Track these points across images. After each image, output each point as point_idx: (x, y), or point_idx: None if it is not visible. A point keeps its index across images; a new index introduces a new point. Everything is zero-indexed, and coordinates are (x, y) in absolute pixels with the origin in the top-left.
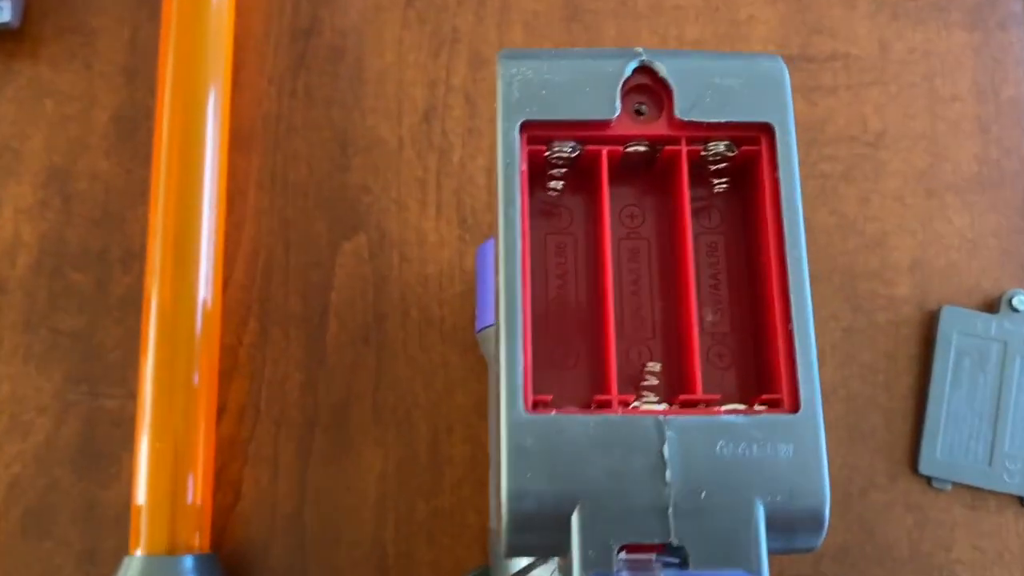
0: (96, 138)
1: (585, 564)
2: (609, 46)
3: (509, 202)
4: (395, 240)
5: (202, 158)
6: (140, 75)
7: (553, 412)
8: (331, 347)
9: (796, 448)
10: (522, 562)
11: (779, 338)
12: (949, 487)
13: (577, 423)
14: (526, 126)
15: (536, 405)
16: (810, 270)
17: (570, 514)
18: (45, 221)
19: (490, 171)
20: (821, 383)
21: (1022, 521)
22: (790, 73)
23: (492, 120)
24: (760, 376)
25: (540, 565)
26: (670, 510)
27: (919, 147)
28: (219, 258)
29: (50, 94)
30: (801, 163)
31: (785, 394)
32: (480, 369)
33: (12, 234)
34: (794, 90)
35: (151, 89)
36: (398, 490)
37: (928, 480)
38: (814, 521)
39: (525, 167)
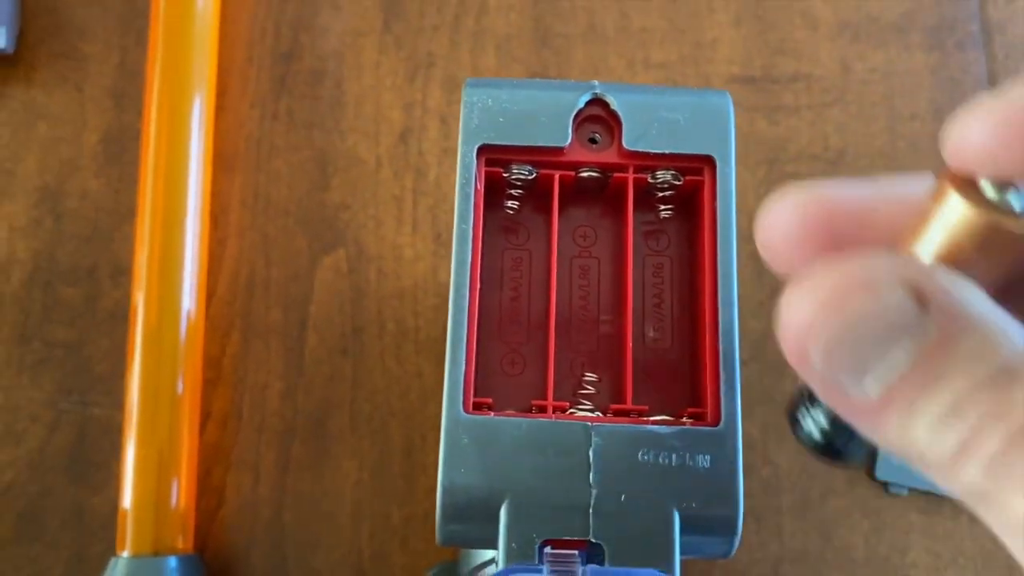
0: (86, 159)
1: (509, 555)
2: (578, 69)
3: (463, 217)
4: (372, 255)
5: (187, 178)
6: (128, 98)
7: (491, 414)
8: (310, 358)
9: (713, 459)
10: (484, 557)
11: (707, 355)
12: (905, 492)
13: (512, 425)
14: (483, 149)
15: (477, 407)
16: (769, 283)
17: (498, 509)
18: (38, 239)
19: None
20: (780, 393)
21: (976, 526)
22: (753, 93)
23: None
24: (692, 391)
25: (491, 564)
26: (591, 510)
27: (879, 164)
28: (203, 273)
29: (43, 117)
30: (763, 181)
31: (709, 408)
32: None
33: (6, 251)
34: (757, 110)
35: (140, 112)
36: (374, 496)
37: (885, 486)
38: (727, 528)
39: (481, 187)
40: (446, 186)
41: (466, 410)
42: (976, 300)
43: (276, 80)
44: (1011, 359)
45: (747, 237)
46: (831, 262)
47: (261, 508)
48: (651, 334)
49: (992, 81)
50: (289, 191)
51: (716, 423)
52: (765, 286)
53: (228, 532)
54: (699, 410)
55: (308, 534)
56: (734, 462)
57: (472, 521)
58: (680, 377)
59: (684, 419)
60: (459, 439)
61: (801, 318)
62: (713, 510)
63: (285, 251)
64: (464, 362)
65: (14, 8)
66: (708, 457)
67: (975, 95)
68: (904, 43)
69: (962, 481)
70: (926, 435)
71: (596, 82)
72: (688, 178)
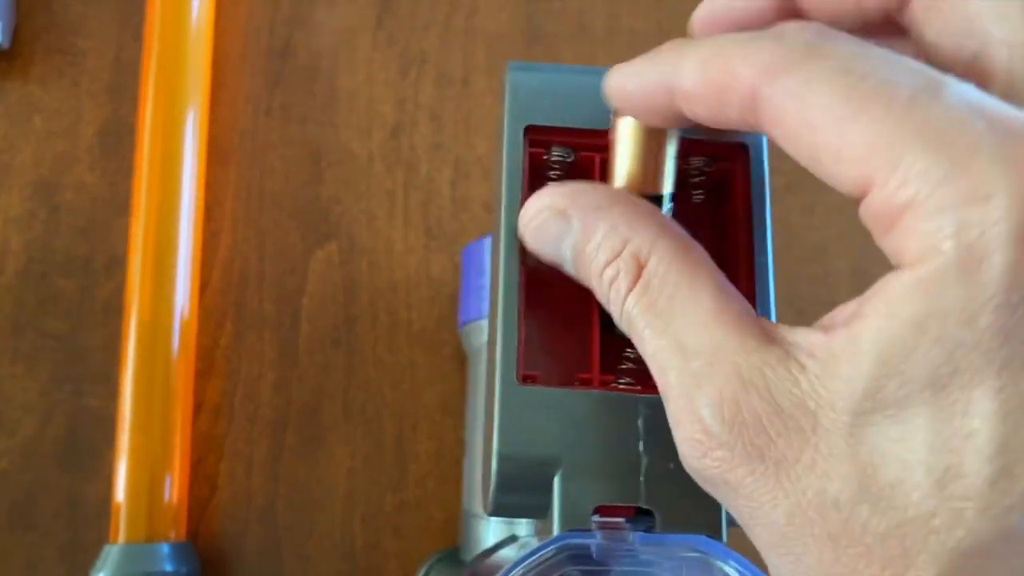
0: (82, 152)
1: (564, 521)
2: None
3: (512, 195)
4: (365, 248)
5: (181, 171)
6: (124, 93)
7: (542, 386)
8: (303, 349)
9: None
10: (489, 542)
11: None
12: None
13: (563, 396)
14: (528, 130)
15: (526, 379)
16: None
17: (552, 476)
18: (33, 230)
19: (455, 183)
20: None
21: None
22: None
23: (457, 135)
24: None
25: (507, 546)
26: (642, 477)
27: None
28: (197, 265)
29: (39, 111)
30: None
31: None
32: (445, 369)
33: (1, 242)
34: None
35: (134, 106)
36: (366, 484)
37: None
38: None
39: (527, 165)
40: (437, 180)
41: (519, 381)
42: (594, 201)
43: (270, 75)
44: (615, 245)
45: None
46: (535, 195)
47: (254, 496)
48: None
49: None
50: (283, 184)
51: None
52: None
53: (221, 520)
54: None
55: (301, 522)
56: None
57: (525, 491)
58: None
59: None
60: (513, 410)
61: (522, 219)
62: None
63: (278, 243)
64: (516, 335)
65: (10, 3)
66: None
67: None
68: (889, 43)
69: (618, 316)
70: (596, 291)
71: None
72: (720, 164)
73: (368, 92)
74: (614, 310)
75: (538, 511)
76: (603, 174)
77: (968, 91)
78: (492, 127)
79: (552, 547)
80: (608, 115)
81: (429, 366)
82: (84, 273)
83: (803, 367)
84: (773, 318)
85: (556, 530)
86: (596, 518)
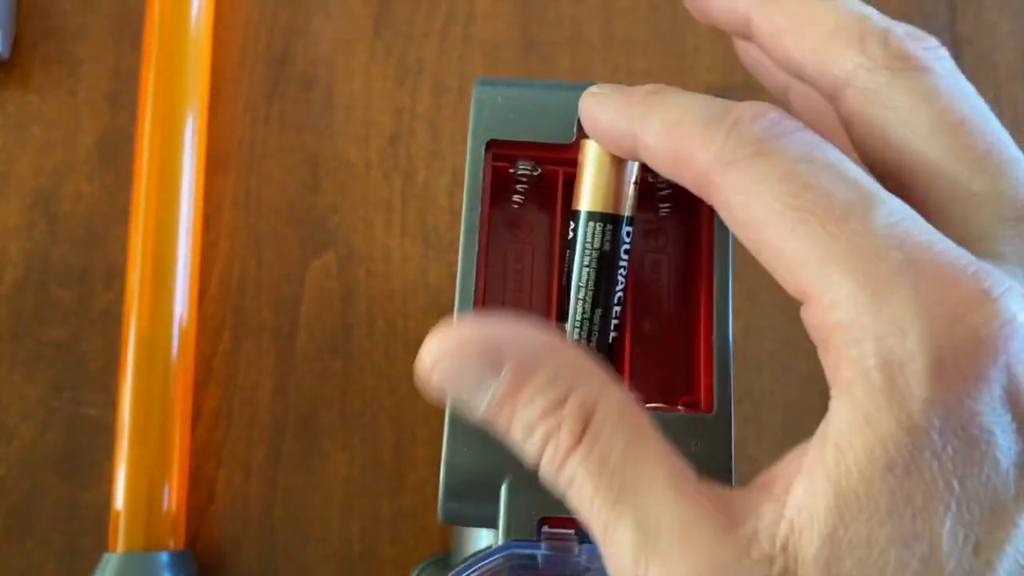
0: (80, 162)
1: (509, 531)
2: (563, 76)
3: (472, 208)
4: (362, 256)
5: (180, 180)
6: (122, 102)
7: None
8: (301, 357)
9: (708, 444)
10: (481, 545)
11: (701, 347)
12: None
13: None
14: (492, 144)
15: None
16: (751, 284)
17: (499, 487)
18: (31, 240)
19: (452, 192)
20: (759, 390)
21: None
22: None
23: (454, 144)
24: (680, 380)
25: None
26: None
27: None
28: (195, 274)
29: (37, 120)
30: None
31: (702, 397)
32: None
33: (0, 252)
34: None
35: (132, 115)
36: (363, 491)
37: None
38: None
39: (488, 179)
40: (434, 189)
41: None
42: (532, 342)
43: (268, 84)
44: (558, 396)
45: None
46: (452, 327)
47: (252, 503)
48: (648, 327)
49: None
50: (281, 193)
51: (709, 410)
52: (744, 289)
53: (219, 527)
54: (693, 399)
55: (298, 529)
56: (727, 447)
57: (473, 499)
58: (675, 368)
59: (679, 407)
60: (462, 420)
61: (426, 363)
62: None
63: (276, 251)
64: None
65: (9, 13)
66: (703, 442)
67: None
68: None
69: (545, 477)
70: (522, 444)
71: (596, 82)
72: None
73: (365, 101)
74: (547, 468)
75: (487, 520)
76: (567, 188)
77: (896, 211)
78: None
79: (499, 555)
80: (574, 129)
81: None
82: (82, 282)
83: (771, 559)
84: (729, 334)
85: (501, 540)
86: (545, 529)
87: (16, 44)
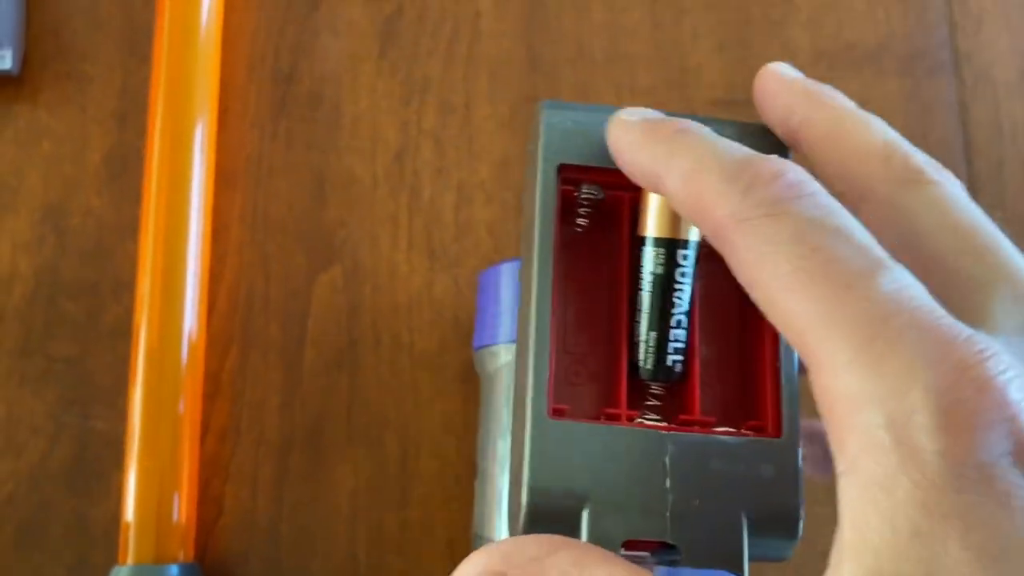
0: (89, 177)
1: None
2: (567, 93)
3: (545, 233)
4: (368, 271)
5: (188, 196)
6: (131, 118)
7: (571, 420)
8: (307, 371)
9: (776, 469)
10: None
11: (767, 372)
12: None
13: (592, 431)
14: (561, 169)
15: (556, 412)
16: None
17: (580, 510)
18: (40, 254)
19: (458, 207)
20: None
21: None
22: (736, 117)
23: (459, 160)
24: (745, 403)
25: None
26: (668, 513)
27: None
28: (204, 289)
29: (47, 136)
30: None
31: (769, 421)
32: (447, 391)
33: (9, 266)
34: None
35: (141, 131)
36: (369, 505)
37: None
38: (789, 533)
39: (559, 203)
40: (440, 204)
41: (549, 415)
42: (530, 553)
43: (276, 101)
44: None
45: None
46: (465, 562)
47: (259, 518)
48: (714, 350)
49: (962, 106)
50: (288, 209)
51: (778, 434)
52: None
53: (227, 541)
54: (759, 423)
55: (305, 542)
56: (796, 472)
57: (554, 524)
58: (736, 391)
59: (745, 430)
60: (544, 443)
61: None
62: (778, 516)
63: (283, 267)
64: (547, 369)
65: (19, 30)
66: (771, 467)
67: (946, 118)
68: (878, 70)
69: None
70: None
71: (668, 112)
72: None
73: (372, 118)
74: None
75: None
76: (632, 213)
77: (900, 278)
78: (494, 152)
79: None
80: None
81: (431, 388)
82: (92, 296)
83: None
84: (795, 360)
85: None
86: (622, 551)
87: (26, 61)
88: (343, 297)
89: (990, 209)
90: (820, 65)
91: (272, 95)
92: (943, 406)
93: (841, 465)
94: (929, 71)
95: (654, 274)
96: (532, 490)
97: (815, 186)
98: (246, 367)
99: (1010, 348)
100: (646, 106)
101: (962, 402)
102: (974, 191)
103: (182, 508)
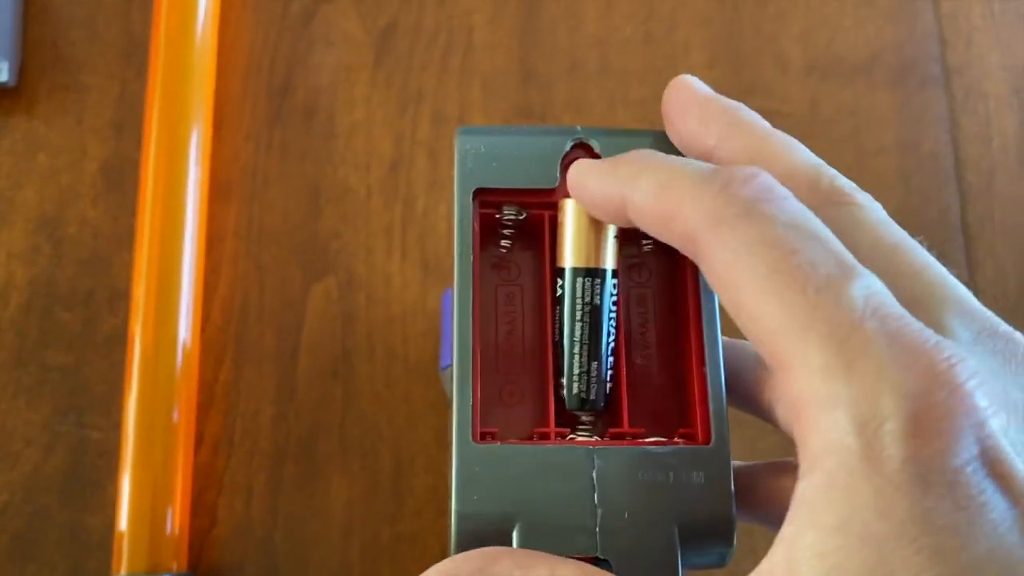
0: (85, 188)
1: None
2: (560, 106)
3: (464, 257)
4: (362, 282)
5: (184, 207)
6: (127, 129)
7: (498, 443)
8: (301, 382)
9: (707, 476)
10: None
11: (695, 380)
12: None
13: (519, 452)
14: (478, 192)
15: (483, 436)
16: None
17: (510, 532)
18: (36, 265)
19: (451, 220)
20: (744, 416)
21: None
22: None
23: (452, 173)
24: (680, 412)
25: None
26: (597, 528)
27: None
28: (198, 299)
29: (43, 147)
30: None
31: (699, 428)
32: (440, 403)
33: (5, 276)
34: None
35: (137, 142)
36: (363, 516)
37: None
38: (724, 540)
39: (477, 227)
40: (434, 216)
41: (475, 440)
42: (476, 565)
43: (271, 112)
44: None
45: None
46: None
47: (253, 528)
48: (639, 361)
49: (952, 118)
50: (282, 219)
51: (707, 442)
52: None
53: (221, 552)
54: (689, 430)
55: (298, 553)
56: (726, 478)
57: (486, 545)
58: (668, 400)
59: (676, 439)
60: (470, 468)
61: None
62: (710, 523)
63: (278, 277)
64: (472, 394)
65: (16, 42)
66: (702, 474)
67: (937, 131)
68: (869, 82)
69: None
70: None
71: (579, 127)
72: None
73: (366, 129)
74: None
75: None
76: (552, 231)
77: (871, 285)
78: None
79: None
80: (556, 174)
81: (424, 399)
82: (87, 306)
83: None
84: (720, 366)
85: None
86: None
87: (23, 72)
88: (337, 308)
89: (980, 221)
90: (811, 78)
91: (267, 106)
92: (913, 411)
93: (803, 465)
94: (920, 84)
95: (590, 304)
96: (460, 515)
97: (786, 190)
98: (240, 377)
99: (973, 356)
100: (638, 119)
101: (933, 407)
102: (964, 204)
103: (176, 518)
